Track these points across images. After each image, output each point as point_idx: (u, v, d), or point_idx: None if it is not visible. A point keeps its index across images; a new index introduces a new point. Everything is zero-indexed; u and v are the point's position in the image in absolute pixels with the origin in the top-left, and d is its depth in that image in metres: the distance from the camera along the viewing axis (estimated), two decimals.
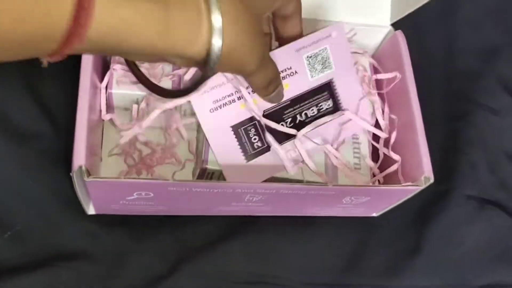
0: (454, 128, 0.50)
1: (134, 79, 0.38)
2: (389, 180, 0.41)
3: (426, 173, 0.37)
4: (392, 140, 0.41)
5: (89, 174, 0.32)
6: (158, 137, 0.41)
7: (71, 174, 0.32)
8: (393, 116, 0.42)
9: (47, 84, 0.43)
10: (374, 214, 0.45)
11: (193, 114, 0.39)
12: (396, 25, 0.44)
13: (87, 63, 0.36)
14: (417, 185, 0.37)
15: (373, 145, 0.42)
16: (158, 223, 0.41)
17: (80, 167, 0.32)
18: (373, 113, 0.42)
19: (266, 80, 0.33)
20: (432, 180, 0.37)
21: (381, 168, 0.42)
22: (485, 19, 0.55)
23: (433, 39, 0.53)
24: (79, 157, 0.32)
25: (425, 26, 0.53)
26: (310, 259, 0.43)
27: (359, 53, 0.45)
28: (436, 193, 0.47)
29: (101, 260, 0.39)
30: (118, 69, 0.39)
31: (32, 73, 0.43)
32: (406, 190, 0.38)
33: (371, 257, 0.44)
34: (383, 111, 0.43)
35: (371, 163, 0.41)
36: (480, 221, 0.47)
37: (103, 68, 0.41)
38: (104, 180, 0.32)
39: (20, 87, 0.42)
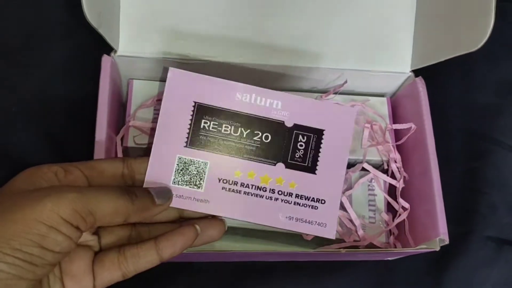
0: (472, 168, 0.49)
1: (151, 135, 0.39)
2: (402, 228, 0.41)
3: (442, 235, 0.37)
4: (401, 186, 0.41)
5: None
6: None
7: None
8: (399, 167, 0.41)
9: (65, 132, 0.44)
10: (389, 258, 0.45)
11: None
12: None
13: (102, 121, 0.36)
14: (432, 248, 0.37)
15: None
16: (173, 269, 0.42)
17: None
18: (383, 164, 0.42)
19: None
20: (447, 242, 0.37)
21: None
22: (502, 53, 0.53)
23: (449, 74, 0.51)
24: None
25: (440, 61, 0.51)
26: None
27: (377, 95, 0.44)
28: (455, 235, 0.45)
29: None
30: (135, 126, 0.39)
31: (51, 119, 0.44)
32: (420, 252, 0.38)
33: None
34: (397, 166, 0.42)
35: (386, 217, 0.41)
36: (499, 263, 0.47)
37: (119, 118, 0.41)
38: None
39: (37, 133, 0.44)
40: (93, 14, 0.31)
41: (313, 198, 0.31)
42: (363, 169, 0.42)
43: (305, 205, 0.31)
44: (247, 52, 0.40)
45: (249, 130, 0.31)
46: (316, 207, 0.31)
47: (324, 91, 0.43)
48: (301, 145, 0.31)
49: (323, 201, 0.31)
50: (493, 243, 0.47)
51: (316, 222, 0.31)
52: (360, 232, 0.39)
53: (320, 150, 0.31)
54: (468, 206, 0.48)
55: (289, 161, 0.31)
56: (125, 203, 0.27)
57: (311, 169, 0.31)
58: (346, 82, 0.42)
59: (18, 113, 0.44)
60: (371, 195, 0.41)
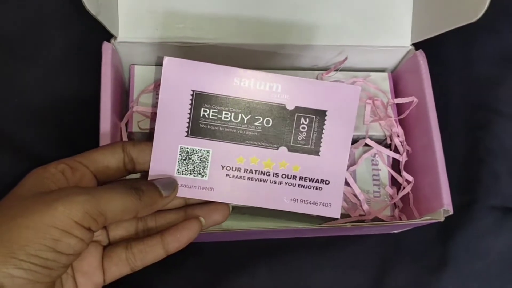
0: (475, 138, 0.49)
1: (154, 120, 0.39)
2: (406, 201, 0.42)
3: (446, 206, 0.37)
4: (404, 160, 0.41)
5: None
6: None
7: None
8: (405, 145, 0.42)
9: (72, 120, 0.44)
10: (395, 231, 0.46)
11: None
12: None
13: (106, 106, 0.36)
14: (436, 219, 0.37)
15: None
16: (185, 249, 0.43)
17: None
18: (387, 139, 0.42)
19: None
20: (451, 212, 0.37)
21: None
22: (502, 24, 0.53)
23: (449, 46, 0.51)
24: None
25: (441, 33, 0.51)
26: (335, 280, 0.44)
27: (378, 70, 0.45)
28: (459, 205, 0.46)
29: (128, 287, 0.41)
30: (138, 111, 0.39)
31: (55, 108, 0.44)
32: (426, 223, 0.38)
33: (397, 274, 0.45)
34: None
35: (391, 190, 0.41)
36: (504, 231, 0.47)
37: (122, 104, 0.41)
38: None
39: (42, 123, 0.44)
40: (92, 1, 0.31)
41: (317, 179, 0.32)
42: (366, 144, 0.42)
43: (309, 187, 0.32)
44: (246, 32, 0.40)
45: (249, 116, 0.31)
46: (320, 188, 0.32)
47: (325, 69, 0.44)
48: (303, 128, 0.31)
49: (327, 182, 0.32)
50: (498, 212, 0.48)
51: (321, 202, 0.32)
52: (365, 206, 0.39)
53: (323, 131, 0.31)
54: (471, 176, 0.48)
55: (291, 144, 0.31)
56: (133, 200, 0.27)
57: (315, 151, 0.32)
58: (346, 58, 0.42)
59: (21, 105, 0.44)
60: (375, 169, 0.42)
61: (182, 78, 0.30)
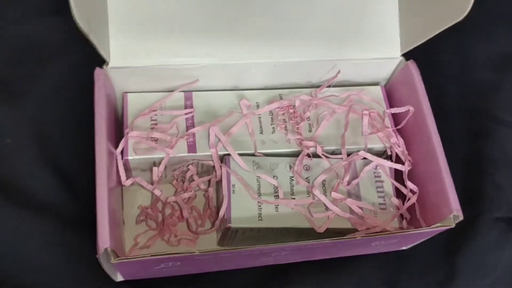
0: (475, 148, 0.49)
1: (151, 145, 0.38)
2: (413, 213, 0.41)
3: (455, 212, 0.36)
4: (407, 169, 0.41)
5: (116, 256, 0.32)
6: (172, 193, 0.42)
7: (97, 256, 0.32)
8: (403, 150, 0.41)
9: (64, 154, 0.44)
10: (404, 248, 0.44)
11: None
12: None
13: (101, 132, 0.36)
14: (447, 225, 0.36)
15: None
16: (188, 283, 0.41)
17: (106, 249, 0.32)
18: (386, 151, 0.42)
19: None
20: (461, 218, 0.36)
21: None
22: (496, 26, 0.53)
23: (444, 53, 0.51)
24: (104, 239, 0.32)
25: (434, 39, 0.51)
26: None
27: (372, 84, 0.45)
28: (464, 219, 0.45)
29: None
30: (133, 136, 0.39)
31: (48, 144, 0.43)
32: (436, 231, 0.37)
33: None
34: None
35: (396, 201, 0.40)
36: (510, 242, 0.46)
37: (116, 134, 0.41)
38: (131, 261, 0.32)
39: (36, 156, 0.43)
40: (83, 18, 0.31)
41: None
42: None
43: None
44: (242, 51, 0.40)
45: None
46: None
47: (319, 85, 0.43)
48: None
49: None
50: (503, 224, 0.46)
51: None
52: (372, 219, 0.38)
53: None
54: (474, 189, 0.47)
55: None
56: None
57: None
58: (339, 72, 0.42)
59: (14, 142, 0.43)
60: (378, 181, 0.41)
61: None
